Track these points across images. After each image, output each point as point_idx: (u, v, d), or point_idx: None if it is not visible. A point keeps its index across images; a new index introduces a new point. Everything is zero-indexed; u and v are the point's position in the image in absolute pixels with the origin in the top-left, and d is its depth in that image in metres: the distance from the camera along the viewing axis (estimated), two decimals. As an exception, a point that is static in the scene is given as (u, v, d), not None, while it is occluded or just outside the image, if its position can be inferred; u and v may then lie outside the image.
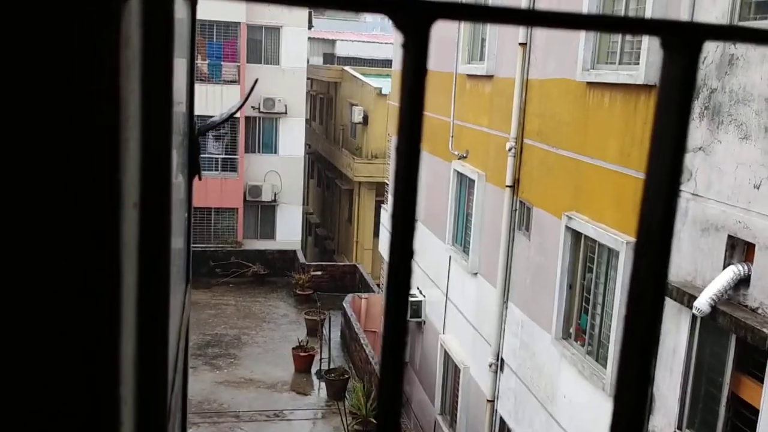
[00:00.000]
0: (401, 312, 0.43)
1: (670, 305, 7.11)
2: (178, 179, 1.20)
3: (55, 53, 0.42)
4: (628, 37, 8.28)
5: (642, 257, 0.46)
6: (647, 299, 0.46)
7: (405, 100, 0.41)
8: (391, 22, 0.42)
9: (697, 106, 6.87)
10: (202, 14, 24.65)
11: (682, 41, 0.43)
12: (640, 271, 0.45)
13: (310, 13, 27.56)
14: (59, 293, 0.46)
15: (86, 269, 0.46)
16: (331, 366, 17.44)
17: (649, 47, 7.52)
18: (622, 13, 8.33)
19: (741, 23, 6.41)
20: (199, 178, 1.56)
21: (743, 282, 6.21)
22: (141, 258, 0.64)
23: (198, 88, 26.40)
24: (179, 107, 1.25)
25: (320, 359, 17.68)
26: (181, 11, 1.17)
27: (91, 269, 0.46)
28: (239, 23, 25.77)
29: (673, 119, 0.44)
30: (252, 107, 26.24)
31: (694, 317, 6.70)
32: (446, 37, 13.68)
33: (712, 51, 6.65)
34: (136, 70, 0.54)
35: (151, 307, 0.68)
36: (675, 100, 0.43)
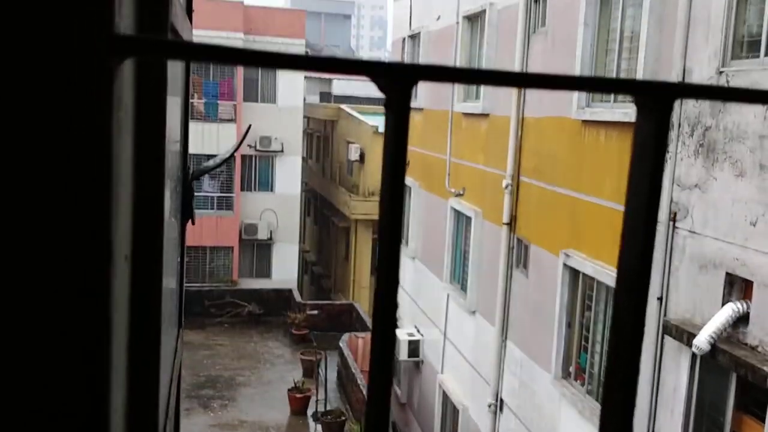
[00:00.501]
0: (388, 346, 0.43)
1: (669, 343, 7.05)
2: (171, 223, 1.19)
3: (49, 113, 0.42)
4: (623, 75, 8.38)
5: (620, 306, 0.46)
6: (628, 333, 0.48)
7: (388, 155, 0.42)
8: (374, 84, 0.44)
9: (692, 144, 6.91)
10: (199, 55, 24.93)
11: (654, 100, 0.46)
12: (619, 319, 0.46)
13: (306, 52, 27.86)
14: (48, 349, 0.45)
15: (76, 323, 0.45)
16: (328, 408, 17.21)
17: (643, 86, 7.58)
18: (616, 53, 8.43)
19: (733, 61, 6.48)
20: (192, 223, 1.55)
21: (742, 319, 6.17)
22: (132, 309, 0.63)
23: (194, 126, 26.59)
24: (173, 153, 1.25)
25: (316, 400, 17.46)
26: (174, 63, 1.18)
27: (80, 323, 0.45)
28: (236, 63, 26.02)
29: (647, 174, 0.46)
30: (248, 145, 26.36)
31: (693, 355, 6.64)
32: (441, 77, 13.81)
33: (705, 89, 6.71)
34: (129, 127, 0.54)
35: (142, 358, 0.66)
36: (648, 156, 0.46)
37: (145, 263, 0.63)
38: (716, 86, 0.54)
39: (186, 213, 1.46)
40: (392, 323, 0.45)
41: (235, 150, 2.41)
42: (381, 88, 0.43)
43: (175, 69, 1.25)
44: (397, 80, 0.43)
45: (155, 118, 0.65)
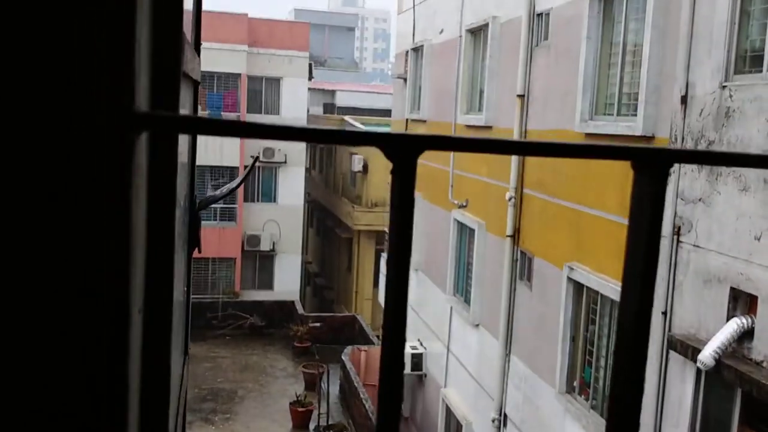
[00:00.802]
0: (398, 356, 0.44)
1: (674, 358, 7.03)
2: (178, 257, 1.19)
3: (72, 186, 0.45)
4: (626, 89, 8.39)
5: (619, 368, 0.48)
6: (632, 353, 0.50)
7: (394, 219, 0.44)
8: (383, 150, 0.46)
9: (695, 158, 6.90)
10: (203, 66, 25.04)
11: (651, 165, 0.47)
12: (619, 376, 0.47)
13: (310, 65, 27.99)
14: (67, 406, 0.46)
15: (97, 377, 0.46)
16: (330, 422, 17.14)
17: (647, 99, 7.60)
18: (619, 67, 8.45)
19: (736, 76, 6.49)
20: (199, 251, 1.55)
21: (747, 335, 6.15)
22: (143, 358, 0.63)
23: (198, 138, 26.68)
24: (181, 183, 1.25)
25: (318, 414, 17.40)
26: (183, 97, 1.19)
27: (101, 378, 0.46)
28: (240, 74, 26.15)
29: (645, 234, 0.47)
30: (252, 156, 26.39)
31: (698, 370, 6.61)
32: (445, 88, 13.86)
33: (708, 103, 6.73)
34: (143, 189, 0.55)
35: (152, 400, 0.66)
36: (646, 216, 0.47)
37: (156, 314, 0.64)
38: (713, 151, 0.58)
39: (193, 242, 1.46)
40: (401, 348, 0.46)
41: (242, 182, 2.43)
42: (388, 157, 0.45)
43: (187, 93, 1.25)
44: (403, 150, 0.45)
45: (168, 181, 0.68)
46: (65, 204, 0.45)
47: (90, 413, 0.47)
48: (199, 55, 1.45)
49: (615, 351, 0.52)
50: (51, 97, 0.44)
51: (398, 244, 0.46)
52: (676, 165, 7.10)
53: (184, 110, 1.23)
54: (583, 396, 8.98)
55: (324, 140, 0.46)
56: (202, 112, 26.00)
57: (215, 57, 25.24)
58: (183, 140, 1.20)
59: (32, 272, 0.46)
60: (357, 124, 28.69)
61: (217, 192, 2.26)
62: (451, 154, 13.34)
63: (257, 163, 26.74)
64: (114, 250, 0.46)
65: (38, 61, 0.44)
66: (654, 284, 0.52)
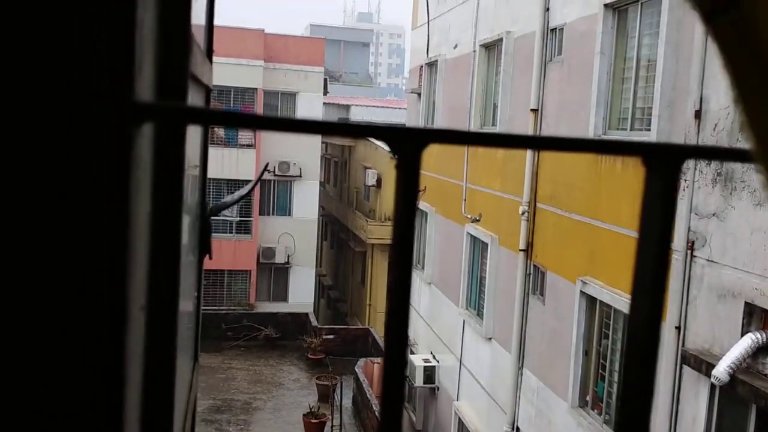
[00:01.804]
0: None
1: (688, 373, 6.97)
2: (188, 262, 1.22)
3: (70, 176, 0.44)
4: (639, 104, 8.38)
5: (630, 373, 0.48)
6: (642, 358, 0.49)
7: (398, 213, 0.44)
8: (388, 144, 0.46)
9: (709, 172, 6.88)
10: (219, 80, 25.22)
11: (662, 161, 0.46)
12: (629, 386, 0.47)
13: (325, 80, 28.13)
14: (62, 403, 0.47)
15: (91, 372, 0.47)
16: (343, 432, 17.09)
17: (660, 113, 7.59)
18: (632, 81, 8.45)
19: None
20: (210, 257, 1.58)
21: (762, 350, 6.09)
22: (146, 357, 0.65)
23: (214, 151, 26.66)
24: (191, 187, 1.28)
25: (332, 426, 17.35)
26: (195, 101, 1.21)
27: (96, 371, 0.47)
28: (256, 89, 26.33)
29: (656, 234, 0.46)
30: (267, 170, 26.55)
31: (712, 386, 6.55)
32: (459, 102, 13.89)
33: (723, 118, 6.71)
34: (147, 185, 0.56)
35: (155, 404, 0.69)
36: (657, 216, 0.46)
37: (161, 312, 0.66)
38: (725, 147, 0.55)
39: (204, 248, 1.49)
40: (403, 360, 0.46)
41: (253, 188, 2.46)
42: (393, 151, 0.45)
43: (198, 97, 1.28)
44: (408, 143, 0.45)
45: (173, 177, 0.69)
46: (62, 197, 0.46)
47: (88, 411, 0.47)
48: (211, 62, 1.48)
49: (625, 355, 0.51)
50: (48, 86, 0.44)
51: (401, 236, 0.45)
52: (690, 179, 7.06)
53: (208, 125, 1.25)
54: (595, 410, 8.91)
55: (326, 132, 0.46)
56: (218, 127, 26.14)
57: (232, 72, 25.46)
58: (194, 144, 1.23)
59: (27, 267, 0.46)
60: (372, 139, 28.72)
61: (228, 198, 2.29)
62: (464, 168, 13.35)
63: (273, 177, 26.87)
64: (112, 245, 0.46)
65: (35, 50, 0.44)
66: (665, 286, 0.50)
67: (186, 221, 1.14)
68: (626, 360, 0.52)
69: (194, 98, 1.10)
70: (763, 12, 0.40)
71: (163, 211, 0.66)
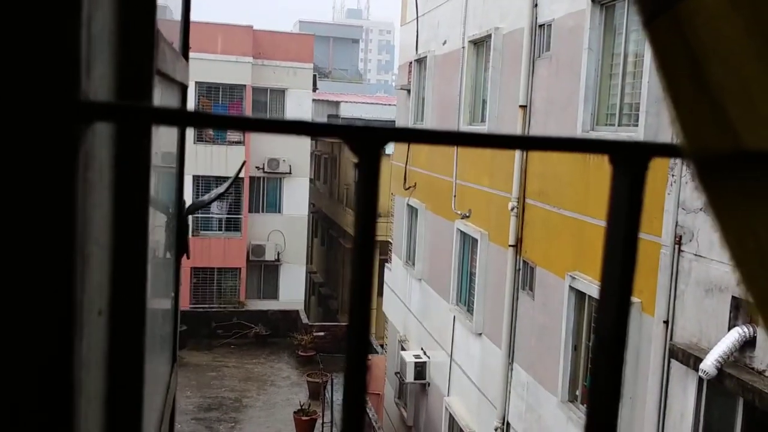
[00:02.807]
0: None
1: (676, 367, 7.01)
2: (163, 261, 1.20)
3: (12, 174, 0.43)
4: (627, 99, 8.40)
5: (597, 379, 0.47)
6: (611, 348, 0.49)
7: (359, 212, 0.43)
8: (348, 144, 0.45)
9: (696, 167, 6.90)
10: (208, 77, 25.16)
11: (629, 160, 0.46)
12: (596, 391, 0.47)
13: (314, 76, 28.08)
14: (11, 405, 0.46)
15: (40, 377, 0.46)
16: (334, 431, 17.11)
17: (648, 109, 7.61)
18: (620, 77, 8.47)
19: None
20: (188, 257, 1.56)
21: (749, 344, 6.13)
22: (111, 359, 0.64)
23: (203, 148, 26.58)
24: (166, 187, 1.26)
25: (322, 423, 17.36)
26: (170, 100, 1.19)
27: (45, 378, 0.46)
28: (245, 86, 26.25)
29: (622, 231, 0.46)
30: (256, 167, 26.50)
31: (700, 380, 6.58)
32: (448, 98, 13.90)
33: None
34: (104, 181, 0.55)
35: (122, 406, 0.67)
36: (623, 216, 0.46)
37: (126, 314, 0.64)
38: None
39: (181, 248, 1.47)
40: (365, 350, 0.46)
41: (230, 186, 2.45)
42: (352, 150, 0.45)
43: (171, 96, 1.27)
44: (367, 143, 0.44)
45: (138, 179, 0.67)
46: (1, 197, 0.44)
47: (38, 417, 0.46)
48: (187, 60, 1.46)
49: (593, 354, 0.51)
50: None
51: (362, 238, 0.45)
52: (677, 174, 7.10)
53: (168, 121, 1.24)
54: (585, 405, 8.94)
55: (285, 131, 0.45)
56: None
57: (221, 68, 25.38)
58: (168, 142, 1.21)
59: None
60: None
61: (205, 197, 2.28)
62: (454, 164, 13.35)
63: (262, 174, 26.80)
64: (56, 247, 0.45)
65: None
66: (632, 282, 0.50)
67: (160, 221, 1.12)
68: (594, 358, 0.52)
69: (166, 96, 1.08)
70: (698, 15, 0.40)
71: (127, 212, 0.64)
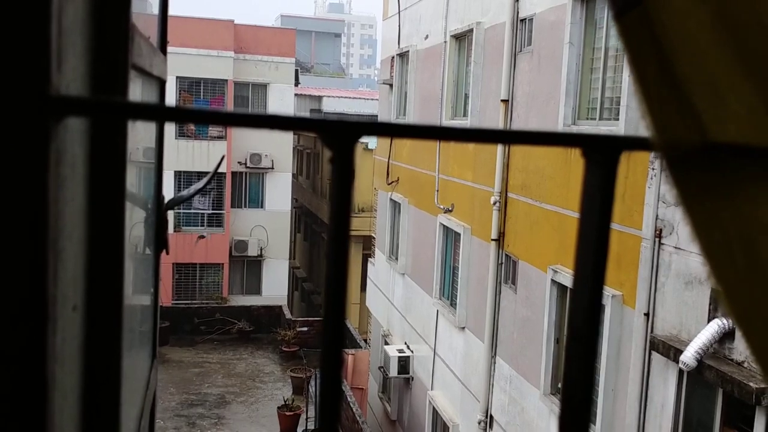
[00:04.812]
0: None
1: (656, 359, 7.08)
2: (141, 257, 1.19)
3: None
4: (608, 93, 8.45)
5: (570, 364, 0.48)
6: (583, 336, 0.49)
7: (333, 207, 0.43)
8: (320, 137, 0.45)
9: (676, 161, 6.96)
10: (189, 71, 25.01)
11: (601, 153, 0.46)
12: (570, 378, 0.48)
13: (296, 71, 27.98)
14: None
15: (11, 384, 0.45)
16: (318, 425, 17.10)
17: (628, 103, 7.66)
18: (601, 71, 8.52)
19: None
20: (167, 253, 1.56)
21: (728, 335, 6.20)
22: (88, 354, 0.63)
23: (185, 144, 26.39)
24: (145, 183, 1.26)
25: (306, 418, 17.36)
26: (147, 95, 1.18)
27: (16, 384, 0.45)
28: (226, 80, 26.10)
29: (595, 221, 0.46)
30: (239, 162, 26.39)
31: (681, 371, 6.66)
32: (431, 93, 13.90)
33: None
34: (77, 175, 0.54)
35: (99, 401, 0.67)
36: (596, 208, 0.46)
37: (102, 310, 0.64)
38: None
39: (160, 243, 1.46)
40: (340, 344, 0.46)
41: (209, 181, 2.44)
42: (326, 144, 0.45)
43: (148, 91, 1.26)
44: (341, 136, 0.44)
45: (113, 169, 0.66)
46: None
47: (11, 411, 0.45)
48: (165, 54, 1.45)
49: (566, 344, 0.51)
50: None
51: (336, 231, 0.46)
52: (657, 168, 7.15)
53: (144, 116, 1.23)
54: (560, 394, 9.01)
55: (259, 125, 0.45)
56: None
57: (202, 63, 25.21)
58: (146, 137, 1.20)
59: None
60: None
61: (185, 192, 2.27)
62: (437, 159, 13.38)
63: (245, 169, 26.69)
64: (29, 242, 0.44)
65: None
66: (604, 275, 0.51)
67: (139, 216, 1.12)
68: (567, 349, 0.52)
69: (143, 92, 1.07)
70: (665, 10, 0.41)
71: (102, 207, 0.64)
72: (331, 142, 0.44)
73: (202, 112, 0.46)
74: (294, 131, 0.48)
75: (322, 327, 0.46)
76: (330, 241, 0.44)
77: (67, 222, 0.51)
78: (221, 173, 25.68)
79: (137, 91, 0.95)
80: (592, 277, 0.48)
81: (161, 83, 1.44)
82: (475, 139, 0.49)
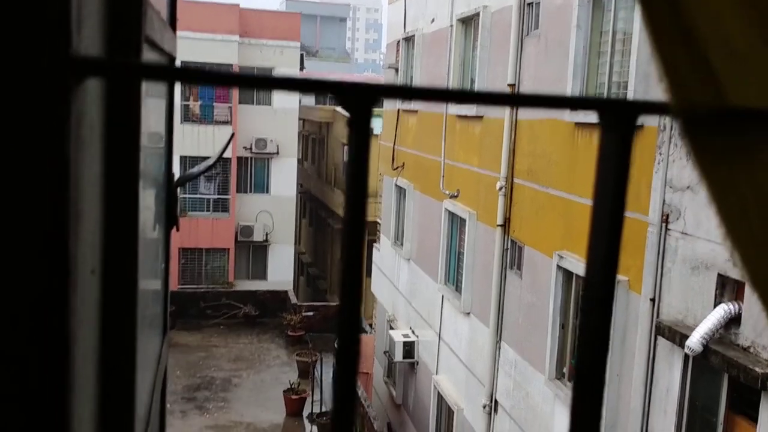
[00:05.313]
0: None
1: (662, 344, 7.08)
2: (152, 231, 1.20)
3: (4, 129, 0.43)
4: (615, 78, 8.41)
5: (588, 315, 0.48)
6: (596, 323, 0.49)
7: (351, 171, 0.43)
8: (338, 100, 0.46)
9: (683, 145, 6.94)
10: (194, 56, 24.93)
11: (618, 118, 0.46)
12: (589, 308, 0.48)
13: (301, 55, 27.89)
14: (6, 360, 0.46)
15: (34, 335, 0.46)
16: (324, 409, 17.21)
17: (636, 87, 7.62)
18: (609, 55, 8.47)
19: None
20: (177, 229, 1.56)
21: (734, 320, 6.20)
22: (104, 320, 0.64)
23: (190, 128, 26.33)
24: (156, 159, 1.26)
25: (312, 402, 17.46)
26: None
27: (38, 336, 0.46)
28: (231, 65, 26.04)
29: (610, 192, 0.46)
30: (244, 147, 26.38)
31: (686, 356, 6.67)
32: (437, 77, 13.85)
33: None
34: (96, 142, 0.55)
35: (115, 369, 0.67)
36: (612, 174, 0.46)
37: (118, 276, 0.65)
38: None
39: (170, 219, 1.47)
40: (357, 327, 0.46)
41: (219, 158, 2.44)
42: (344, 107, 0.45)
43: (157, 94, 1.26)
44: (358, 99, 0.44)
45: (127, 130, 0.67)
46: None
47: (31, 370, 0.46)
48: (174, 31, 1.45)
49: (580, 319, 0.51)
50: None
51: (354, 197, 0.45)
52: (664, 153, 7.12)
53: (158, 83, 1.23)
54: (572, 381, 9.03)
55: (273, 87, 0.45)
56: (194, 103, 25.90)
57: (207, 47, 25.15)
58: (157, 111, 1.20)
59: None
60: (349, 114, 28.59)
61: (195, 169, 2.27)
62: (442, 145, 13.35)
63: (250, 154, 26.68)
64: (50, 202, 0.45)
65: None
66: (619, 243, 0.50)
67: (150, 190, 1.12)
68: (583, 313, 0.52)
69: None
70: None
71: (117, 171, 0.64)
72: (349, 104, 0.44)
73: (218, 75, 0.46)
74: (311, 94, 0.48)
75: (339, 288, 0.46)
76: (348, 201, 0.44)
77: (86, 185, 0.51)
78: (227, 158, 25.68)
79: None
80: (608, 242, 0.48)
81: (171, 60, 1.44)
82: (491, 102, 0.49)
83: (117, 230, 0.65)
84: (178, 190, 1.63)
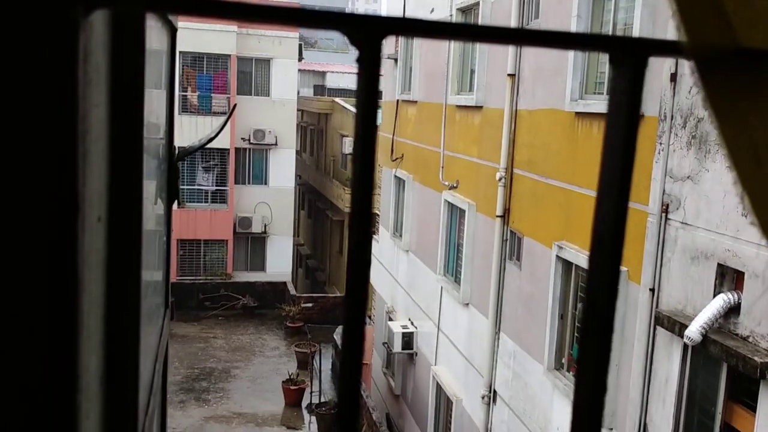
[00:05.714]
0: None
1: (661, 334, 7.09)
2: (157, 204, 1.19)
3: (7, 65, 0.42)
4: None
5: (595, 266, 0.47)
6: (601, 305, 0.48)
7: (360, 111, 0.42)
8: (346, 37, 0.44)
9: (684, 135, 6.93)
10: (192, 47, 24.86)
11: (629, 56, 0.45)
12: (594, 280, 0.47)
13: (300, 46, 27.81)
14: (13, 303, 0.45)
15: (43, 276, 0.45)
16: (322, 399, 17.25)
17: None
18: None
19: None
20: (179, 204, 1.55)
21: (733, 310, 6.20)
22: (110, 268, 0.63)
23: (188, 119, 26.27)
24: (158, 130, 1.25)
25: (311, 392, 17.50)
26: (159, 41, 1.17)
27: (48, 276, 0.45)
28: (229, 55, 25.96)
29: (622, 132, 0.45)
30: (242, 138, 26.33)
31: (685, 346, 6.67)
32: (436, 68, 13.82)
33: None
34: (101, 83, 0.53)
35: (120, 317, 0.67)
36: (623, 114, 0.45)
37: (123, 224, 0.64)
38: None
39: (172, 193, 1.46)
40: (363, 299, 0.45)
41: (220, 129, 2.42)
42: (352, 42, 0.44)
43: (159, 48, 1.24)
44: (368, 33, 0.43)
45: (132, 79, 0.65)
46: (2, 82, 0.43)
47: (40, 310, 0.46)
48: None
49: (588, 268, 0.51)
50: None
51: (364, 138, 0.44)
52: (665, 143, 7.11)
53: (162, 53, 1.21)
54: (571, 372, 9.05)
55: (278, 21, 0.43)
56: (192, 94, 25.83)
57: (205, 38, 25.06)
58: (157, 108, 1.19)
59: None
60: (347, 105, 28.58)
61: (196, 142, 2.26)
62: (442, 135, 13.33)
63: (248, 145, 26.64)
64: (58, 137, 0.44)
65: None
66: (629, 187, 0.50)
67: (152, 161, 1.11)
68: (588, 286, 0.51)
69: (159, 35, 1.06)
70: None
71: (123, 109, 0.63)
72: (358, 39, 0.43)
73: (224, 4, 0.44)
74: (317, 28, 0.46)
75: (349, 233, 0.44)
76: (356, 143, 0.43)
77: (92, 126, 0.50)
78: (225, 149, 25.63)
79: (152, 34, 0.94)
80: (620, 180, 0.47)
81: (173, 32, 1.42)
82: (499, 39, 0.47)
83: (123, 176, 0.64)
84: (179, 165, 1.62)
